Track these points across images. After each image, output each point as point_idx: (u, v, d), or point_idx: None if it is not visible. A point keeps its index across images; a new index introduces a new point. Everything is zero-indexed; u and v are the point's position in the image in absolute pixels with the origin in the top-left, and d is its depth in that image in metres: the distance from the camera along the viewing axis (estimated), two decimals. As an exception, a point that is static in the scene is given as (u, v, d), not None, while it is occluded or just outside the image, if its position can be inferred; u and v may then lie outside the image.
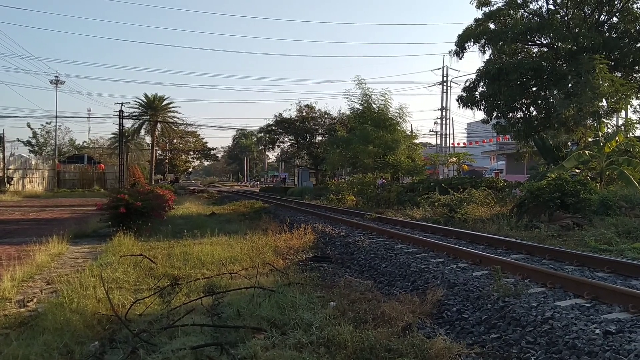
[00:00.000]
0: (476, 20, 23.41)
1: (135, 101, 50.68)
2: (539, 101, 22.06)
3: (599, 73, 17.58)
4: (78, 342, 4.34)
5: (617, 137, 15.30)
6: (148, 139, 56.85)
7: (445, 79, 42.43)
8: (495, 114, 22.72)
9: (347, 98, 29.87)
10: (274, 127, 48.05)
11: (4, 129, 65.87)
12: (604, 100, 18.73)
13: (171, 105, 53.48)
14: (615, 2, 21.02)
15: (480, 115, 25.08)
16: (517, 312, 4.90)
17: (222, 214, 20.06)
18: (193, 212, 20.08)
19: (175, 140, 68.52)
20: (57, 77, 48.88)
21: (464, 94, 23.06)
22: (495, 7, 23.13)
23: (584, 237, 9.05)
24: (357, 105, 28.84)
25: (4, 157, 36.89)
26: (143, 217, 11.91)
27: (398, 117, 27.66)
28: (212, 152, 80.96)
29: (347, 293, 6.06)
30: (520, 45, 23.82)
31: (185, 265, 7.83)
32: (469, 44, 23.09)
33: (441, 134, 44.29)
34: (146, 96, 50.97)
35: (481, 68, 22.26)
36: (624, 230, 9.29)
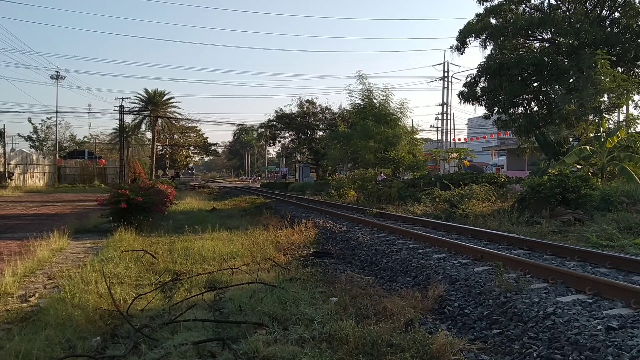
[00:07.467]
0: (477, 15, 23.35)
1: (136, 96, 50.47)
2: (540, 97, 22.00)
3: (601, 68, 17.52)
4: (80, 337, 4.34)
5: (618, 133, 15.25)
6: (149, 134, 56.70)
7: (446, 74, 42.29)
8: (496, 109, 22.68)
9: (348, 93, 29.72)
10: (274, 123, 47.98)
11: (4, 124, 65.70)
12: (605, 95, 18.67)
13: (172, 101, 53.28)
14: (617, -3, 20.94)
15: (481, 110, 25.02)
16: (519, 307, 4.90)
17: (223, 209, 20.07)
18: (194, 207, 20.10)
19: (175, 136, 68.38)
20: (57, 72, 48.97)
21: (465, 90, 23.00)
22: (496, 1, 23.08)
23: (585, 233, 9.05)
24: (358, 101, 28.81)
25: (4, 153, 36.88)
26: (144, 212, 11.90)
27: (399, 113, 27.60)
28: (213, 147, 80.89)
29: (348, 288, 6.06)
30: (521, 40, 23.76)
31: (187, 261, 7.84)
32: (470, 39, 23.00)
33: (442, 130, 44.19)
34: (147, 91, 50.75)
35: (482, 63, 22.19)
36: (626, 226, 9.29)
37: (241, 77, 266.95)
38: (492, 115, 23.79)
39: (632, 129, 19.09)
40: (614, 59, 18.81)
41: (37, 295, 5.80)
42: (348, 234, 10.83)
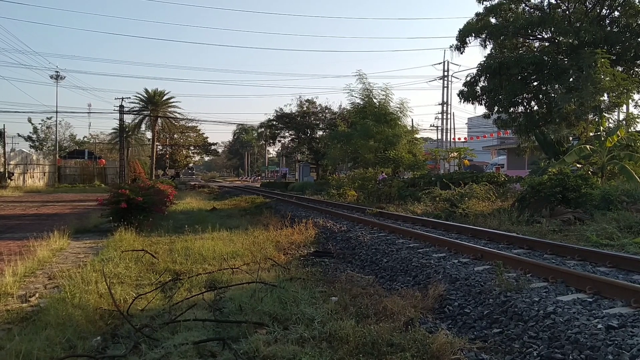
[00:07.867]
0: (477, 14, 23.35)
1: (136, 96, 50.45)
2: (540, 96, 21.99)
3: (601, 67, 17.52)
4: (80, 337, 4.34)
5: (618, 132, 15.25)
6: (149, 134, 56.68)
7: (446, 73, 42.27)
8: (496, 108, 22.67)
9: (348, 93, 29.68)
10: (274, 122, 47.99)
11: (4, 124, 65.77)
12: (605, 94, 18.66)
13: (172, 100, 53.22)
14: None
15: (481, 110, 25.05)
16: (519, 306, 4.90)
17: (223, 209, 20.07)
18: (194, 207, 20.09)
19: (175, 135, 68.37)
20: (57, 72, 49.00)
21: (465, 89, 22.99)
22: (496, 1, 23.06)
23: (585, 232, 9.06)
24: (358, 100, 28.78)
25: (4, 153, 36.85)
26: (144, 212, 11.91)
27: (399, 112, 27.58)
28: (213, 147, 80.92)
29: (348, 288, 6.06)
30: (521, 39, 23.76)
31: (187, 261, 7.84)
32: (470, 38, 23.00)
33: (442, 129, 44.18)
34: (146, 91, 50.70)
35: (482, 62, 22.19)
36: (626, 225, 9.29)
37: (241, 77, 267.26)
38: (492, 114, 23.79)
39: (632, 127, 19.09)
40: (613, 58, 18.80)
41: (37, 295, 5.80)
42: (348, 234, 10.83)
